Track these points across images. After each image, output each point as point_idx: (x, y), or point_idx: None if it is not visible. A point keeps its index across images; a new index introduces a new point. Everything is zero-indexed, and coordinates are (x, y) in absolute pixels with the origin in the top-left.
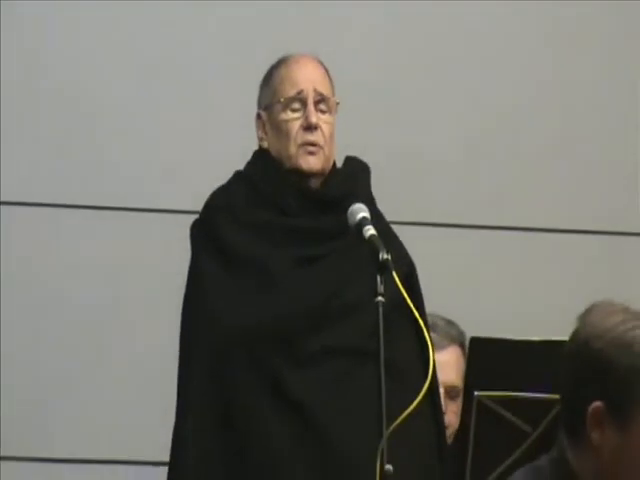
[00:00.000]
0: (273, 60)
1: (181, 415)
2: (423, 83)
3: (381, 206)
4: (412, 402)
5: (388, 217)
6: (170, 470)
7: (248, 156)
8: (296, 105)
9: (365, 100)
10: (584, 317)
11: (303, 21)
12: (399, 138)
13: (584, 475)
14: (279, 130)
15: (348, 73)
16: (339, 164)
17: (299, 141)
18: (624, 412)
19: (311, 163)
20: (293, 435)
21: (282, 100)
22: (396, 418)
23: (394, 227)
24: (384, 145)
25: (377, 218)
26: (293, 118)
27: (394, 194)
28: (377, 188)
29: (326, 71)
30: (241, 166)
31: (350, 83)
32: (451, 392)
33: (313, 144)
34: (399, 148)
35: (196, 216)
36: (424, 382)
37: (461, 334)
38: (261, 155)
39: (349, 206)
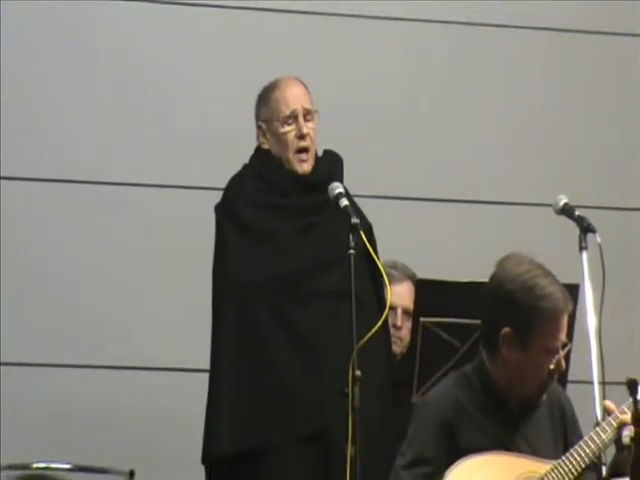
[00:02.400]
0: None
1: (216, 336)
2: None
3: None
4: (373, 327)
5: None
6: (210, 374)
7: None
8: (290, 120)
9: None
10: (500, 264)
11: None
12: (373, 120)
13: (496, 378)
14: (279, 139)
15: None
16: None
17: (294, 148)
18: (525, 337)
19: (304, 168)
20: (293, 348)
21: (280, 118)
22: (362, 337)
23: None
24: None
25: (346, 193)
26: (289, 130)
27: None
28: (353, 165)
29: (307, 88)
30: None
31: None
32: (406, 312)
33: (306, 150)
34: (372, 130)
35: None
36: (380, 313)
37: (413, 274)
38: (264, 154)
39: (329, 184)
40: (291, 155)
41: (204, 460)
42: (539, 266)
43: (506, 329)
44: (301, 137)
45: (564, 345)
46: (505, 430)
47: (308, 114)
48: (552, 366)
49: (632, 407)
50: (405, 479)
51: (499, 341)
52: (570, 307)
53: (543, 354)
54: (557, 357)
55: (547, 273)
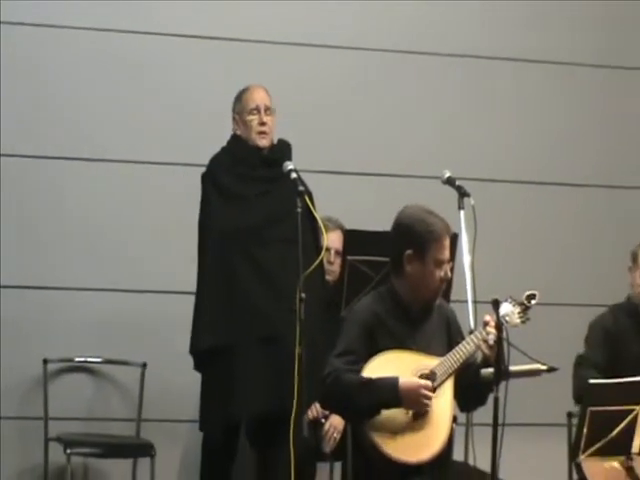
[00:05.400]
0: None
1: (200, 266)
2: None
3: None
4: (313, 264)
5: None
6: (196, 292)
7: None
8: (254, 112)
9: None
10: (400, 210)
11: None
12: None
13: (402, 293)
14: (246, 125)
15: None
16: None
17: (256, 130)
18: (422, 254)
19: (263, 142)
20: (258, 278)
21: (248, 110)
22: (306, 270)
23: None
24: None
25: (295, 169)
26: (253, 118)
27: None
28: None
29: (268, 93)
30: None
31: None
32: (337, 253)
33: (264, 132)
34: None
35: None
36: (318, 254)
37: (343, 225)
38: (236, 138)
39: (283, 163)
40: (253, 135)
41: (191, 351)
42: (426, 209)
43: (408, 251)
44: (261, 124)
45: (448, 261)
46: (409, 332)
47: (268, 110)
48: (442, 274)
49: (495, 318)
50: (336, 364)
51: (404, 261)
52: (450, 232)
53: (435, 266)
54: (445, 268)
55: (431, 212)
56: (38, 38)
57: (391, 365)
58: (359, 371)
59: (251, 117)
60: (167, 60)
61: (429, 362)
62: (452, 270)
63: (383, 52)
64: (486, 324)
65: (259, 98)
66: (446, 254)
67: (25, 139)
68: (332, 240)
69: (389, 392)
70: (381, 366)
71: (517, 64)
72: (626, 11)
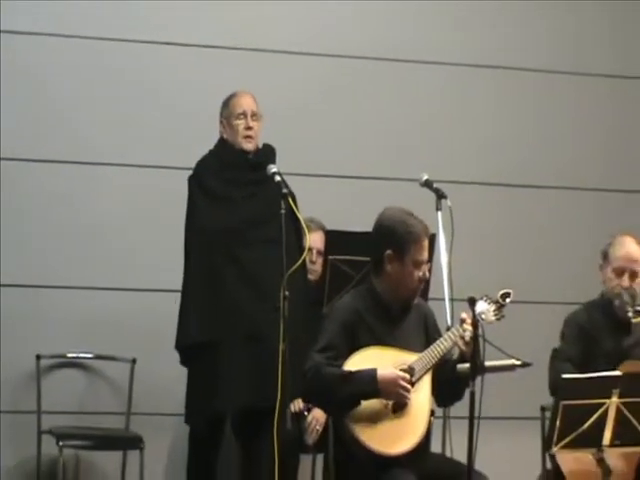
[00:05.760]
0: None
1: (187, 266)
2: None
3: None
4: (296, 263)
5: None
6: (182, 291)
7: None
8: (241, 117)
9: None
10: (381, 212)
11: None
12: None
13: (381, 291)
14: (233, 129)
15: None
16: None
17: (243, 134)
18: (401, 255)
19: (249, 146)
20: (242, 277)
21: (235, 115)
22: (289, 270)
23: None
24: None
25: (279, 172)
26: (240, 123)
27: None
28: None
29: (255, 99)
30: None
31: None
32: (319, 253)
33: (250, 137)
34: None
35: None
36: (300, 254)
37: (324, 226)
38: (224, 142)
39: (267, 166)
40: (240, 139)
41: (177, 347)
42: (406, 211)
43: (388, 251)
44: (248, 128)
45: (427, 262)
46: (388, 330)
47: (254, 115)
48: (421, 274)
49: (471, 316)
50: (317, 359)
51: (384, 261)
52: (429, 234)
53: (414, 266)
54: (423, 268)
55: (411, 214)
56: (36, 46)
57: (371, 361)
58: (340, 366)
59: (238, 121)
60: (157, 67)
61: (408, 358)
62: (430, 270)
63: (364, 59)
64: (462, 321)
65: (246, 104)
66: (425, 255)
67: (24, 143)
68: (314, 240)
69: (368, 383)
70: (361, 362)
71: (492, 71)
72: (599, 19)
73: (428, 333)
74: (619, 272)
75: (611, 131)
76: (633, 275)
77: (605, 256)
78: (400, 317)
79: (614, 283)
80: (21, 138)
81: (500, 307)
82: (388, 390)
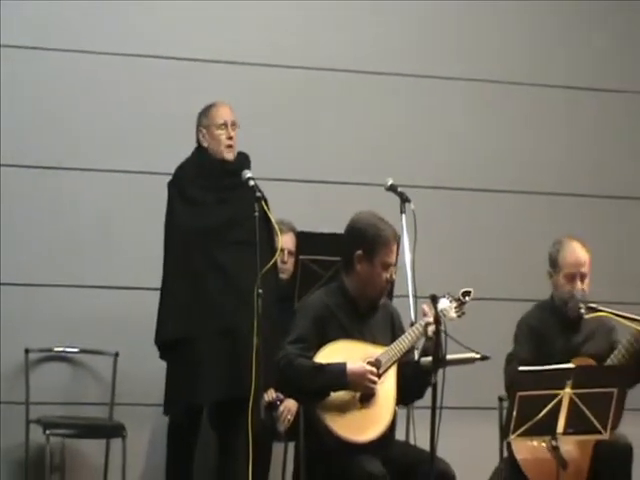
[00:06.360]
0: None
1: (165, 265)
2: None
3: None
4: (268, 263)
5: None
6: (161, 289)
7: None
8: (222, 127)
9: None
10: (354, 215)
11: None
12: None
13: (351, 289)
14: (214, 139)
15: None
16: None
17: (225, 144)
18: (371, 256)
19: (230, 155)
20: (217, 276)
21: (216, 125)
22: (262, 269)
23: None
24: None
25: (253, 177)
26: (221, 133)
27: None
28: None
29: (232, 109)
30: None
31: None
32: (290, 253)
33: (231, 146)
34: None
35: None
36: (273, 254)
37: (295, 227)
38: (202, 150)
39: (242, 171)
40: (222, 148)
41: (156, 341)
42: (377, 215)
43: (359, 252)
44: (229, 138)
45: (394, 264)
46: (356, 325)
47: (234, 125)
48: (388, 276)
49: (434, 312)
50: (289, 349)
51: (354, 260)
52: (397, 239)
53: (382, 268)
54: (390, 270)
55: (382, 218)
56: (35, 59)
57: (340, 353)
58: (311, 358)
59: (219, 132)
60: (149, 79)
61: (375, 351)
62: (396, 272)
63: (333, 71)
64: (424, 314)
65: (226, 114)
66: (393, 258)
67: (23, 150)
68: (285, 241)
69: (338, 376)
70: (331, 354)
71: (454, 82)
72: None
73: (394, 331)
74: (570, 278)
75: (565, 138)
76: (582, 277)
77: (554, 263)
78: (368, 314)
79: (566, 288)
80: (20, 146)
81: (461, 304)
82: (356, 383)
